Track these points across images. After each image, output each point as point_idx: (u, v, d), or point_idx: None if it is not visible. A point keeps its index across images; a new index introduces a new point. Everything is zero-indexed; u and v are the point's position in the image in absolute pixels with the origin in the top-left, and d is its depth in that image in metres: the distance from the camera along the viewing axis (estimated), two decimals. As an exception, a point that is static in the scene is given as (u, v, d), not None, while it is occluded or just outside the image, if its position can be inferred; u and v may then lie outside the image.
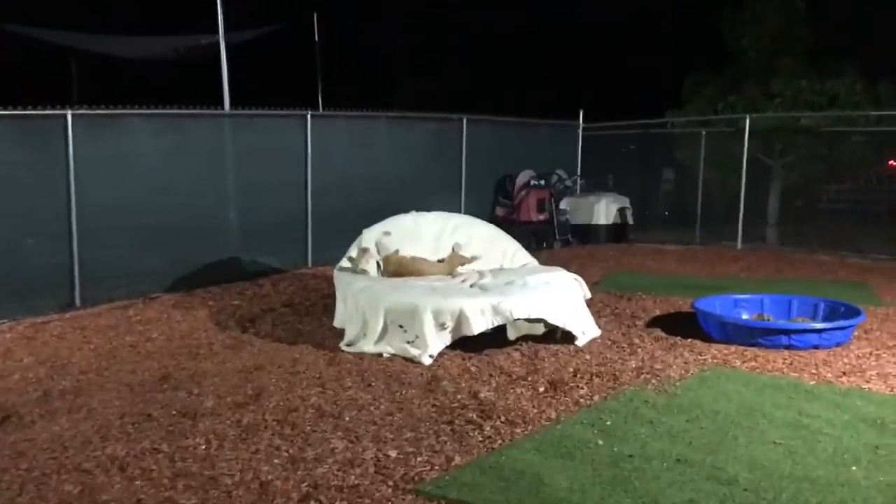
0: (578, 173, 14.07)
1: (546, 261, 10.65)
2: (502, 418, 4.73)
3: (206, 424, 4.65)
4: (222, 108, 9.83)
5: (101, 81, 17.29)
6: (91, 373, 5.76)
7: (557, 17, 21.23)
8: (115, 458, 4.17)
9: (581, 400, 5.09)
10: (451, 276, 6.98)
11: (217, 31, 10.28)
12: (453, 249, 7.29)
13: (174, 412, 4.88)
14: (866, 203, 16.22)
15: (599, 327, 6.87)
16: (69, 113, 8.05)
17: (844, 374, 5.63)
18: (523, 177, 12.63)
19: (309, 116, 10.15)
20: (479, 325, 5.92)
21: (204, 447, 4.34)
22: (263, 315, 7.63)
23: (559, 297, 6.37)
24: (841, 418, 4.69)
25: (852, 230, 12.86)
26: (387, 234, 7.19)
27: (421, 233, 7.38)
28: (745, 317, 7.09)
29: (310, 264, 10.22)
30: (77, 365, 5.98)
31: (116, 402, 5.07)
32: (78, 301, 8.22)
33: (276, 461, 4.15)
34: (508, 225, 12.30)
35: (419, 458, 4.16)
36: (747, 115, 12.53)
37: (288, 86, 15.14)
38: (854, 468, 4.00)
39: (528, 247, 11.77)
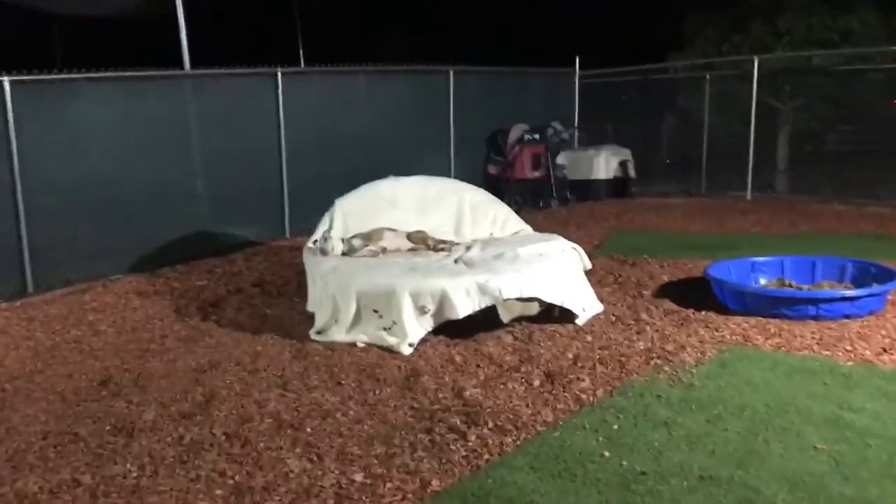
0: (576, 125, 13.19)
1: (544, 221, 9.96)
2: (490, 424, 4.02)
3: (143, 444, 3.95)
4: (182, 68, 8.95)
5: (81, 45, 16.36)
6: (21, 378, 5.04)
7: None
8: (25, 496, 3.47)
9: (583, 396, 4.37)
10: (433, 249, 6.22)
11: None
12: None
13: (108, 428, 4.17)
14: (879, 144, 15.28)
15: (602, 300, 6.14)
16: (6, 79, 7.22)
17: (885, 350, 4.90)
18: (516, 131, 11.70)
19: (279, 74, 9.29)
20: (464, 307, 5.18)
21: (135, 475, 3.63)
22: (229, 297, 6.90)
23: (555, 271, 5.61)
24: (891, 412, 3.96)
25: (869, 174, 11.96)
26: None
27: (399, 200, 6.61)
28: (763, 282, 6.38)
29: (288, 235, 9.47)
30: (9, 369, 5.26)
31: (42, 418, 4.36)
32: (31, 287, 7.50)
33: (217, 492, 3.45)
34: (503, 183, 11.56)
35: (389, 484, 3.46)
36: (755, 57, 11.61)
37: (264, 44, 14.24)
38: (915, 482, 3.30)
39: (524, 206, 11.21)
